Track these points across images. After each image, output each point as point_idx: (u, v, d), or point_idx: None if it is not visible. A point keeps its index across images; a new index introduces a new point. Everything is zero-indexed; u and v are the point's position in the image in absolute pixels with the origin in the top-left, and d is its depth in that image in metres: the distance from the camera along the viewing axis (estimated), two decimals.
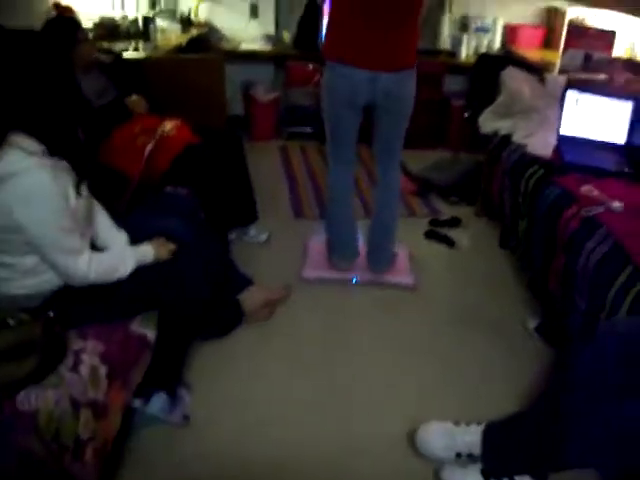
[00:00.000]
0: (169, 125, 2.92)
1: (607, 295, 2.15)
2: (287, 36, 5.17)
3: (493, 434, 2.07)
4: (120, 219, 2.26)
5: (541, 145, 3.21)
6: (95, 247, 2.07)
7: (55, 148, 1.80)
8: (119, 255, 2.06)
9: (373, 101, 2.77)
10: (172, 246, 2.18)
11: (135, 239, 2.18)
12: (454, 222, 3.88)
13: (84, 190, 1.92)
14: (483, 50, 5.22)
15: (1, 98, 1.75)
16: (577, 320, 2.33)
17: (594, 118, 3.32)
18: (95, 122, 2.77)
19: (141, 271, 2.06)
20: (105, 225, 2.16)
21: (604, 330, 1.88)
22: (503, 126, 3.55)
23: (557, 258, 2.56)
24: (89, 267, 1.90)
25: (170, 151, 2.89)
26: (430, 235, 3.73)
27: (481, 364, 2.66)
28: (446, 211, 4.06)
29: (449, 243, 3.64)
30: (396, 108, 2.83)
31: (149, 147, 2.77)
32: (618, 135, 3.30)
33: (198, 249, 2.29)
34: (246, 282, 2.73)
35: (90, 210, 2.03)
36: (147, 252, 2.11)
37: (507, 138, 3.45)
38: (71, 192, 1.84)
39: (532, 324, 2.85)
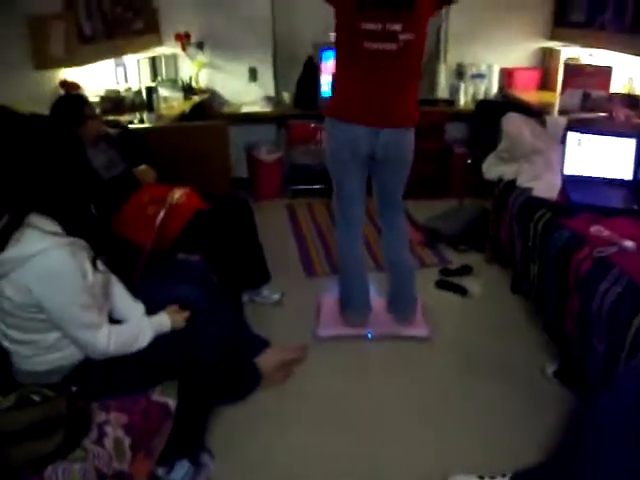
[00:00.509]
0: (178, 193, 2.94)
1: (626, 336, 2.13)
2: (287, 96, 5.26)
3: None
4: (134, 288, 2.27)
5: (546, 187, 3.23)
6: (113, 319, 2.09)
7: (71, 227, 1.84)
8: (137, 327, 2.07)
9: (374, 152, 2.82)
10: (187, 313, 2.19)
11: (150, 308, 2.20)
12: (465, 270, 3.88)
13: (100, 265, 1.94)
14: (481, 96, 5.29)
15: (17, 181, 1.79)
16: (597, 363, 2.31)
17: (598, 157, 3.35)
18: (106, 195, 2.80)
19: (158, 340, 2.06)
20: (122, 297, 2.17)
21: (622, 374, 1.87)
22: (507, 171, 3.58)
23: (571, 301, 2.55)
24: (109, 340, 1.92)
25: (180, 218, 2.91)
26: (441, 285, 3.73)
27: (502, 413, 2.63)
28: (456, 260, 4.06)
29: (461, 292, 3.64)
30: (396, 157, 2.87)
31: (160, 216, 2.79)
32: (624, 172, 3.32)
33: (212, 315, 2.29)
34: (262, 344, 2.73)
35: (107, 284, 2.05)
36: (164, 322, 2.12)
37: (512, 183, 3.47)
38: (88, 268, 1.86)
39: (550, 369, 2.82)
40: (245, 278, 3.33)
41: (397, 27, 2.61)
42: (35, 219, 1.79)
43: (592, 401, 1.91)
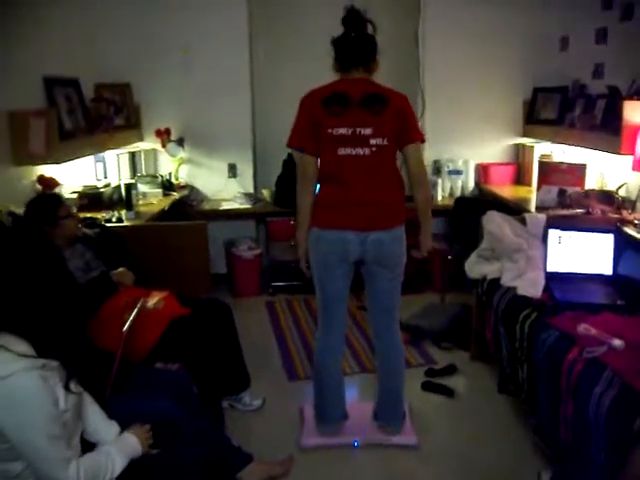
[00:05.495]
0: (156, 298, 2.86)
1: (626, 447, 2.07)
2: (266, 193, 5.25)
3: None
4: (106, 403, 2.15)
5: (530, 285, 3.24)
6: (83, 440, 1.95)
7: (43, 347, 1.73)
8: (108, 455, 1.90)
9: (364, 255, 2.79)
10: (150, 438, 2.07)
11: (125, 424, 2.06)
12: (450, 370, 3.80)
13: (74, 386, 1.82)
14: (458, 191, 5.35)
15: None
16: (596, 475, 2.23)
17: (578, 253, 3.41)
18: (82, 299, 2.71)
19: (138, 465, 1.94)
20: (96, 418, 2.03)
21: None
22: (490, 270, 3.56)
23: (565, 405, 2.49)
24: (78, 477, 1.75)
25: (158, 326, 2.82)
26: (427, 387, 3.62)
27: None
28: (440, 358, 3.98)
29: (448, 393, 3.54)
30: (387, 256, 2.83)
31: (127, 324, 2.61)
32: (604, 267, 3.37)
33: (193, 433, 2.18)
34: (245, 459, 2.60)
35: (79, 405, 1.92)
36: (134, 447, 1.99)
37: (496, 281, 3.45)
38: (60, 393, 1.75)
39: (546, 476, 2.69)
40: (225, 385, 3.21)
41: (368, 132, 2.68)
42: (4, 339, 1.69)
43: None
